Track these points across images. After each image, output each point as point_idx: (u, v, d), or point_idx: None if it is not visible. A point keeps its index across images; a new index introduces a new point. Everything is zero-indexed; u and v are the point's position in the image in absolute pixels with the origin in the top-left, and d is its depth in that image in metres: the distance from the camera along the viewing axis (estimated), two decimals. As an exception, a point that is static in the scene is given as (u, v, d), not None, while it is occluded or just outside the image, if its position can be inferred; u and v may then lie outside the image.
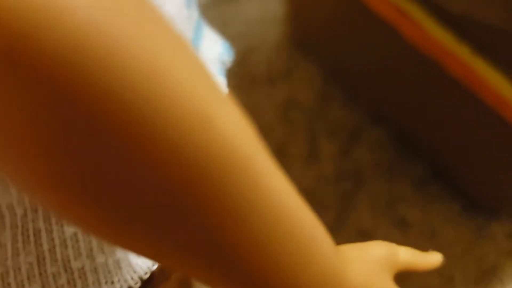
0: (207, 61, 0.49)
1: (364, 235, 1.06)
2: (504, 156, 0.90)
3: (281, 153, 1.14)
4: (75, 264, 0.38)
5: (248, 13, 1.30)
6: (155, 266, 0.41)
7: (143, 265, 0.40)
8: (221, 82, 0.49)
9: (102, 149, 0.24)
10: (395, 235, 1.07)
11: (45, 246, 0.36)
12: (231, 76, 1.22)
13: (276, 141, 1.15)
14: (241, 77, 1.22)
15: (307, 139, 1.15)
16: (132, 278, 0.40)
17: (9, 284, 0.37)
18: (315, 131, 1.16)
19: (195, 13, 0.47)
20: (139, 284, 0.40)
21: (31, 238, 0.35)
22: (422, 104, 0.98)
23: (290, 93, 1.21)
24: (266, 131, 1.16)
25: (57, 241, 0.36)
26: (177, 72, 0.25)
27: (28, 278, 0.37)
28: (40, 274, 0.37)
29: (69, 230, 0.36)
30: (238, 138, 0.27)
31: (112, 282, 0.39)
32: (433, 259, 0.42)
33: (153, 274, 0.42)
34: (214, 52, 0.50)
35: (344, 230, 1.06)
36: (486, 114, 0.84)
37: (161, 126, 0.24)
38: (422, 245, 1.07)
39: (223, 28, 1.29)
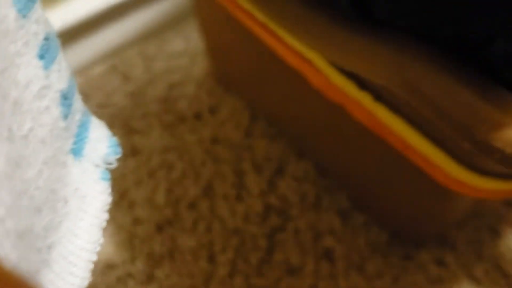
0: (90, 165, 0.48)
1: (293, 272, 1.06)
2: (413, 193, 0.91)
3: (209, 194, 1.13)
4: None
5: (171, 49, 1.30)
6: None
7: None
8: (105, 201, 0.48)
9: None
10: (323, 269, 1.07)
11: None
12: (156, 114, 1.22)
13: (203, 180, 1.15)
14: (166, 114, 1.22)
15: (233, 177, 1.15)
16: None
17: None
18: (242, 168, 1.16)
19: (77, 116, 0.46)
20: None
21: None
22: (336, 142, 0.98)
23: (216, 129, 1.20)
24: (193, 170, 1.16)
25: None
26: None
27: None
28: None
29: None
30: None
31: None
32: None
33: None
34: (98, 154, 0.50)
35: (273, 270, 1.06)
36: (390, 153, 0.85)
37: None
38: (351, 277, 1.07)
39: (146, 64, 1.28)
